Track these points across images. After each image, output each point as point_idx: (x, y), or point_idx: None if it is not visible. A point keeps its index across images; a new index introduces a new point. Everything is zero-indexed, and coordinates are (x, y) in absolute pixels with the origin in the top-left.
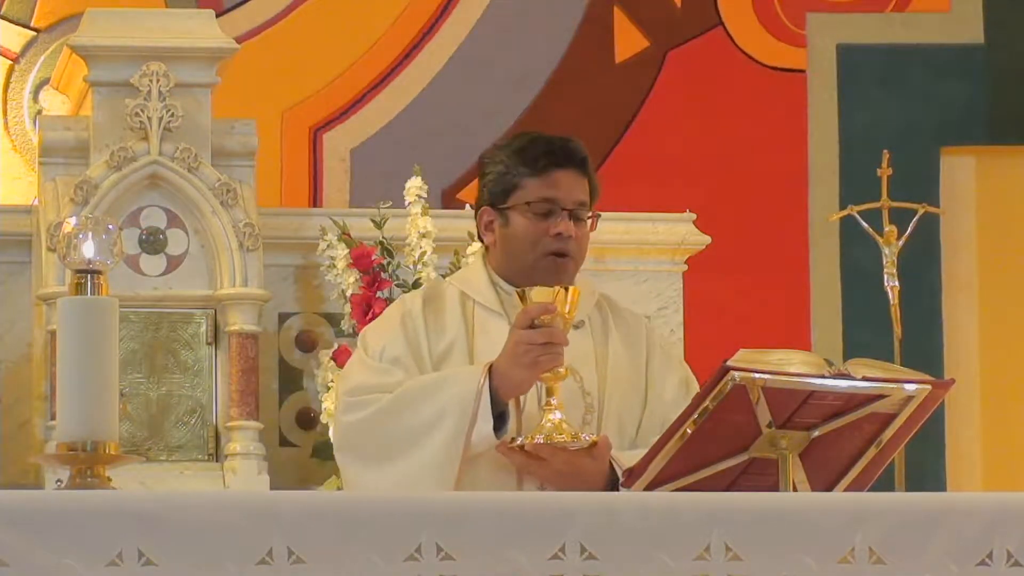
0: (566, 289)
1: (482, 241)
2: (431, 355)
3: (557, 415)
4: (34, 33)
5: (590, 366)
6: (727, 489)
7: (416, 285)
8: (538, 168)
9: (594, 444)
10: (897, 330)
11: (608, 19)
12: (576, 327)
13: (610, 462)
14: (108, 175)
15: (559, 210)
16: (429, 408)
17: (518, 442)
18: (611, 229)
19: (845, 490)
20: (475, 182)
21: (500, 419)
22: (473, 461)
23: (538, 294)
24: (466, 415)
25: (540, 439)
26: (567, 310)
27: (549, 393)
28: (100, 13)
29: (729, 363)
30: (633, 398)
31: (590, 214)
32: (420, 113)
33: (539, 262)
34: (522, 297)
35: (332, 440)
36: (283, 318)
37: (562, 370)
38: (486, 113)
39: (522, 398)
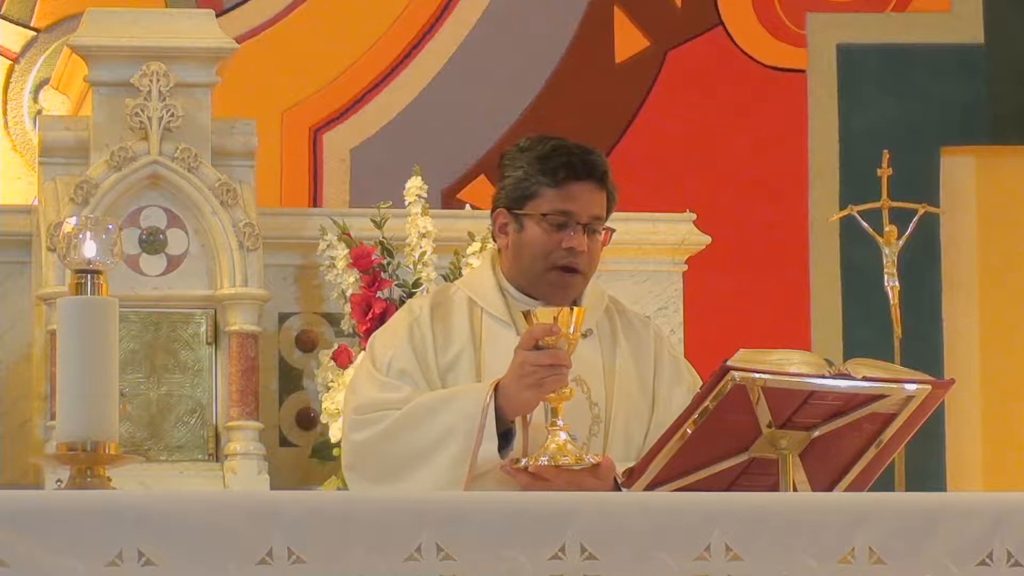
0: (571, 309)
1: (495, 241)
2: (438, 366)
3: (562, 436)
4: (34, 33)
5: (598, 376)
6: (727, 489)
7: (416, 285)
8: (557, 179)
9: (597, 465)
10: (897, 330)
11: (608, 19)
12: (584, 336)
13: (614, 478)
14: (108, 175)
15: (574, 224)
16: (435, 428)
17: (522, 463)
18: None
19: (845, 490)
20: (475, 182)
21: (506, 437)
22: (478, 478)
23: (543, 315)
24: (472, 435)
25: (545, 461)
26: (572, 331)
27: (554, 414)
28: (100, 13)
29: (729, 363)
30: (640, 408)
31: (604, 227)
32: (420, 113)
33: (548, 274)
34: (527, 317)
35: (342, 457)
36: (283, 318)
37: (567, 391)
38: (486, 113)
39: (528, 414)
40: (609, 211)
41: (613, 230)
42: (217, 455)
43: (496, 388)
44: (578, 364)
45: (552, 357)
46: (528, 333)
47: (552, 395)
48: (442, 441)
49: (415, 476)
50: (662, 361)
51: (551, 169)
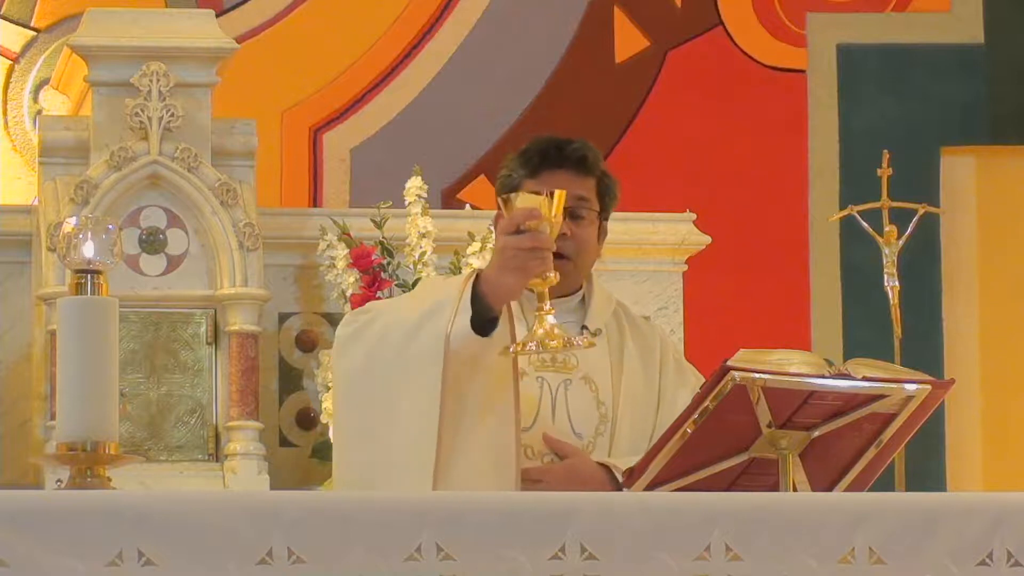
0: (551, 194)
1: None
2: None
3: (549, 320)
4: (34, 33)
5: (605, 376)
6: (727, 489)
7: (416, 285)
8: (532, 167)
9: (591, 344)
10: (897, 330)
11: (608, 19)
12: (593, 335)
13: (615, 479)
14: (108, 175)
15: None
16: (417, 312)
17: (511, 350)
18: (611, 229)
19: (845, 490)
20: (475, 182)
21: (492, 328)
22: (470, 373)
23: (524, 200)
24: (452, 308)
25: (533, 346)
26: (553, 214)
27: (540, 299)
28: (100, 13)
29: (729, 363)
30: (646, 410)
31: (593, 219)
32: (420, 113)
33: None
34: (507, 203)
35: (332, 352)
36: (283, 318)
37: (551, 275)
38: (486, 113)
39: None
40: (604, 198)
41: (605, 220)
42: (217, 455)
43: (480, 277)
44: (587, 363)
45: (534, 240)
46: (509, 218)
47: (536, 279)
48: (424, 319)
49: (399, 356)
50: (668, 363)
51: (527, 160)
